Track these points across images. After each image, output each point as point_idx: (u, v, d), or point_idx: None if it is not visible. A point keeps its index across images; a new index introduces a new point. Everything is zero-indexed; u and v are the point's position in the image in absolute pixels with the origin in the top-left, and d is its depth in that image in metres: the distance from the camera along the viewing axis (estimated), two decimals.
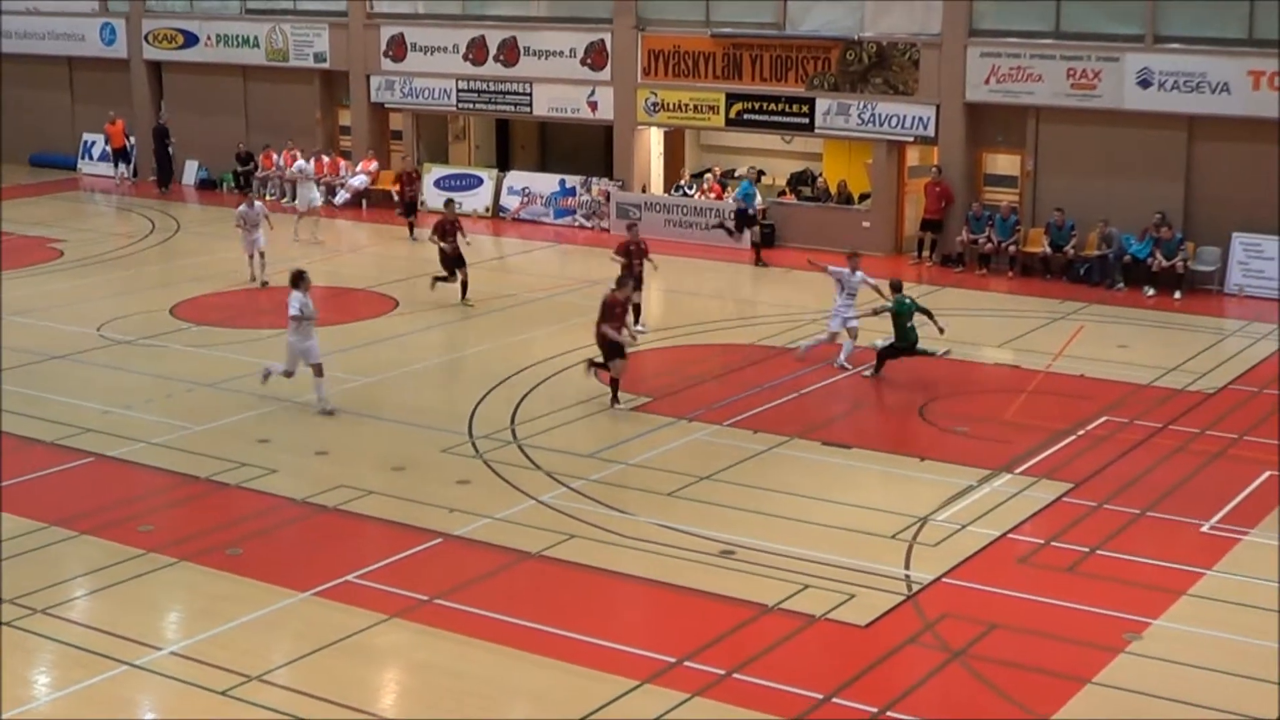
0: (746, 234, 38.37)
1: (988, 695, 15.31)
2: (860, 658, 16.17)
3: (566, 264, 37.63)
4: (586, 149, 44.46)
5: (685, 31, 40.47)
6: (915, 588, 17.82)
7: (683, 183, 41.69)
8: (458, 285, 31.83)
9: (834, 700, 15.10)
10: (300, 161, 42.76)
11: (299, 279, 24.50)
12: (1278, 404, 25.16)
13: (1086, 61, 35.19)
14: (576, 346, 27.90)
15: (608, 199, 41.34)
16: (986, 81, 36.37)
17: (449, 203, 34.01)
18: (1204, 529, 19.77)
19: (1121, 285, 34.35)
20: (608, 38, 41.45)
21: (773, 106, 39.43)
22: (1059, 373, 27.09)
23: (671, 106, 40.82)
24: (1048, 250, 35.14)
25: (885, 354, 26.47)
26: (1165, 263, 33.71)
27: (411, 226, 39.92)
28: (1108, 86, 35.02)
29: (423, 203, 42.19)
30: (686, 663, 15.87)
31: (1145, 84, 34.66)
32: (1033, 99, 36.00)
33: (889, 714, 14.87)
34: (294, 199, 42.18)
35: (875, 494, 21.02)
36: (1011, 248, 35.83)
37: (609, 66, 41.50)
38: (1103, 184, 35.50)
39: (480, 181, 43.59)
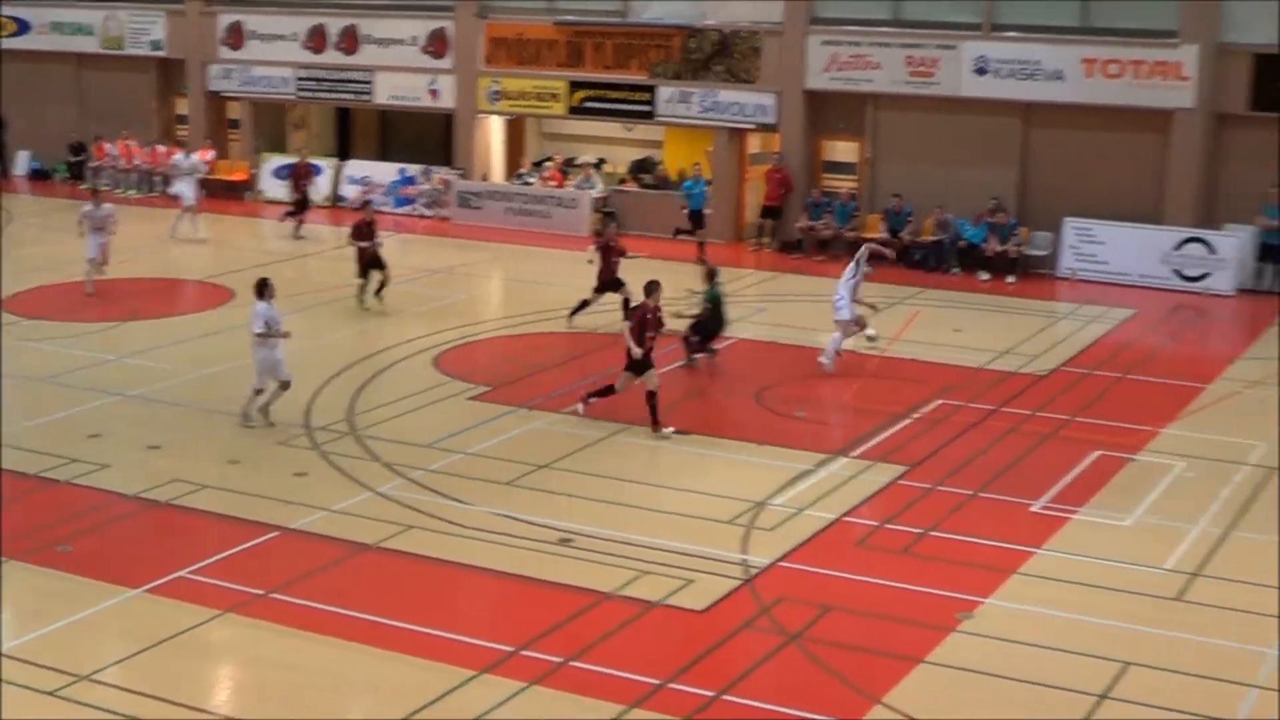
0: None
1: (823, 677, 15.45)
2: (697, 642, 16.23)
3: (407, 253, 37.33)
4: (427, 137, 44.21)
5: (528, 19, 40.44)
6: (752, 572, 17.93)
7: (524, 171, 41.62)
8: (371, 284, 30.72)
9: (671, 685, 15.15)
10: (183, 155, 41.11)
11: (263, 288, 23.04)
12: (1107, 386, 25.65)
13: (925, 49, 35.65)
14: (416, 335, 27.80)
15: (448, 188, 41.17)
16: (827, 69, 36.70)
17: (366, 204, 32.76)
18: (1034, 509, 20.11)
19: (957, 270, 34.85)
20: (449, 26, 41.29)
21: (615, 94, 39.52)
22: (895, 357, 27.41)
23: (514, 95, 40.74)
24: (885, 236, 35.53)
25: (702, 342, 26.53)
26: (999, 247, 34.26)
27: (300, 222, 39.03)
28: (945, 74, 35.50)
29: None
30: (524, 651, 15.84)
31: (982, 71, 35.18)
32: (872, 86, 36.39)
33: (725, 697, 14.94)
34: (172, 190, 40.66)
35: (713, 479, 21.11)
36: (850, 233, 36.18)
37: (450, 55, 41.31)
38: (939, 170, 35.98)
39: (320, 170, 43.20)
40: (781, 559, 18.34)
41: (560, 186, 40.24)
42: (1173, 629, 16.59)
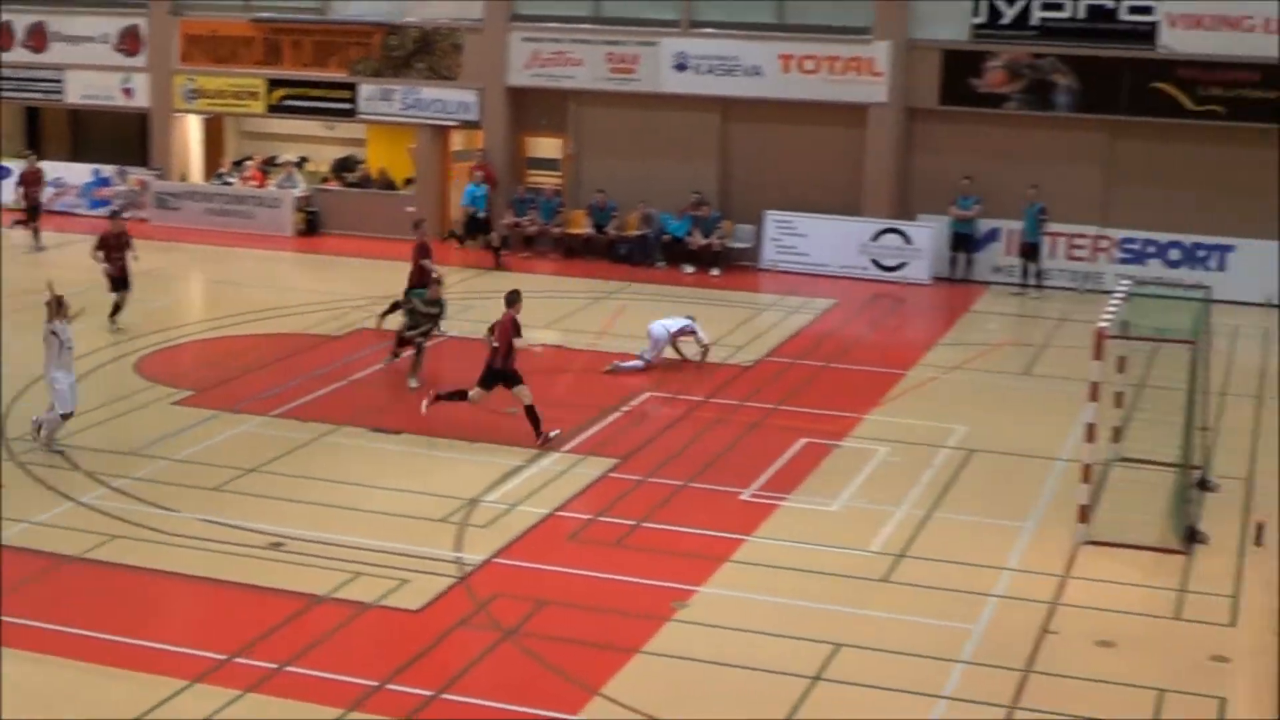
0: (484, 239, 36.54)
1: (541, 672, 15.46)
2: (414, 642, 16.11)
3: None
4: (122, 137, 43.03)
5: (224, 16, 39.73)
6: (467, 570, 17.87)
7: (224, 171, 40.83)
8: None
9: (389, 686, 15.01)
10: None
11: (60, 305, 21.87)
12: (811, 375, 26.17)
13: (625, 46, 35.94)
14: (116, 340, 27.13)
15: (145, 189, 40.19)
16: (528, 66, 36.77)
17: (115, 214, 30.68)
18: (744, 497, 20.42)
19: (662, 264, 35.22)
20: (142, 23, 40.32)
21: (315, 92, 39.06)
22: (604, 351, 27.56)
23: (211, 93, 39.98)
24: (590, 231, 35.74)
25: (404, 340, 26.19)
26: (703, 241, 34.71)
27: (36, 231, 37.02)
28: (646, 70, 35.84)
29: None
30: (238, 659, 15.53)
31: (681, 68, 35.61)
32: (573, 83, 36.57)
33: (444, 696, 14.86)
34: None
35: (425, 478, 20.98)
36: (555, 229, 36.30)
37: (144, 52, 40.35)
38: (642, 165, 36.33)
39: (8, 172, 41.77)
40: (496, 555, 18.31)
41: (261, 186, 39.58)
42: (881, 609, 17.00)
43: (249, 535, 18.76)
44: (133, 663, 15.47)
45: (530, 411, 22.51)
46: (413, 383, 25.00)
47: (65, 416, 21.84)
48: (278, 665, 15.41)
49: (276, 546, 18.45)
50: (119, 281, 28.84)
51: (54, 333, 21.69)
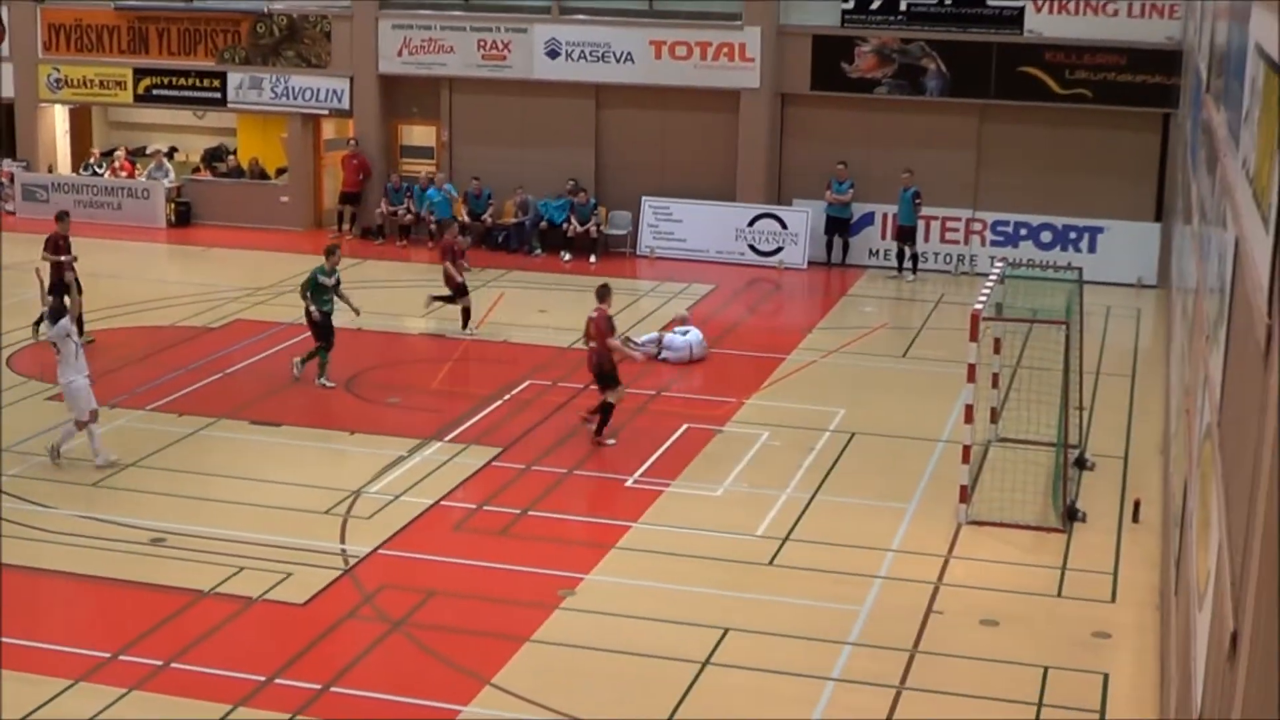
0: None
1: (430, 662, 15.43)
2: (301, 636, 16.01)
3: None
4: None
5: (87, 4, 39.02)
6: (352, 561, 17.78)
7: (92, 161, 40.21)
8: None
9: (277, 681, 14.92)
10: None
11: (61, 308, 21.54)
12: (691, 360, 26.27)
13: (497, 33, 35.82)
14: None
15: (12, 180, 39.49)
16: (399, 54, 36.54)
17: (62, 215, 28.45)
18: (629, 483, 20.47)
19: (539, 251, 35.16)
20: (3, 12, 39.56)
21: (183, 81, 38.56)
22: (482, 339, 27.48)
23: (76, 83, 39.35)
24: (466, 219, 35.59)
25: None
26: (580, 228, 34.69)
27: None
28: (518, 57, 35.75)
29: None
30: (122, 656, 15.37)
31: (554, 54, 35.55)
32: (445, 70, 36.39)
33: (333, 689, 14.79)
34: None
35: (307, 470, 20.83)
36: (430, 218, 36.13)
37: (5, 41, 39.61)
38: (517, 152, 36.24)
39: None
40: (381, 546, 18.24)
41: (131, 176, 39.02)
42: (768, 593, 17.12)
43: (129, 531, 18.54)
44: (16, 663, 15.24)
45: (607, 411, 21.94)
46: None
47: (94, 413, 21.03)
48: (163, 662, 15.26)
49: (158, 542, 18.25)
50: (59, 287, 25.76)
51: (69, 335, 21.08)
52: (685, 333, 26.65)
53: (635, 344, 25.34)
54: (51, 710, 14.32)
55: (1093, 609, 16.85)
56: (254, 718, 14.23)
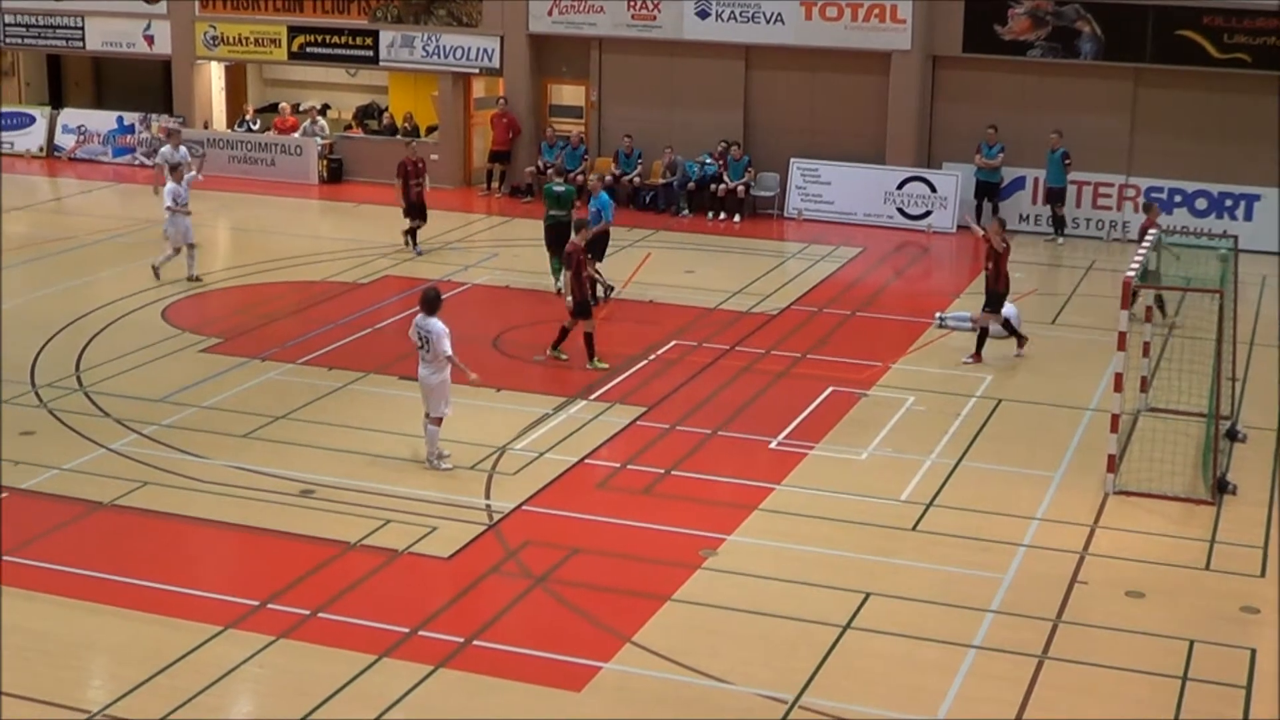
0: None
1: (572, 618, 15.54)
2: (445, 589, 16.21)
3: (128, 204, 36.30)
4: (145, 85, 42.97)
5: None
6: (496, 517, 17.94)
7: (247, 117, 40.75)
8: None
9: (420, 633, 15.10)
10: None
11: (175, 166, 28.78)
12: (837, 323, 26.15)
13: None
14: (143, 288, 27.19)
15: (169, 136, 40.09)
16: (550, 14, 36.60)
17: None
18: (772, 445, 20.44)
19: (687, 212, 35.13)
20: None
21: (336, 39, 38.89)
22: (628, 299, 27.53)
23: (232, 40, 39.85)
24: (615, 177, 35.64)
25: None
26: (731, 184, 34.53)
27: None
28: (668, 17, 35.67)
29: None
30: (270, 605, 15.64)
31: (704, 15, 35.42)
32: (595, 30, 36.39)
33: (476, 643, 14.95)
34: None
35: (454, 426, 20.87)
36: (579, 177, 36.18)
37: None
38: (666, 113, 36.20)
39: (32, 120, 41.77)
40: (525, 503, 18.38)
41: (295, 130, 39.44)
42: (910, 558, 17.04)
43: (279, 482, 18.84)
44: (165, 608, 15.58)
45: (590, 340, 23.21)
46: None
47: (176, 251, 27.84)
48: (310, 611, 15.50)
49: (307, 494, 18.53)
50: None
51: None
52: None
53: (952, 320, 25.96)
54: (202, 655, 14.61)
55: (1241, 583, 16.60)
56: (399, 668, 14.42)
